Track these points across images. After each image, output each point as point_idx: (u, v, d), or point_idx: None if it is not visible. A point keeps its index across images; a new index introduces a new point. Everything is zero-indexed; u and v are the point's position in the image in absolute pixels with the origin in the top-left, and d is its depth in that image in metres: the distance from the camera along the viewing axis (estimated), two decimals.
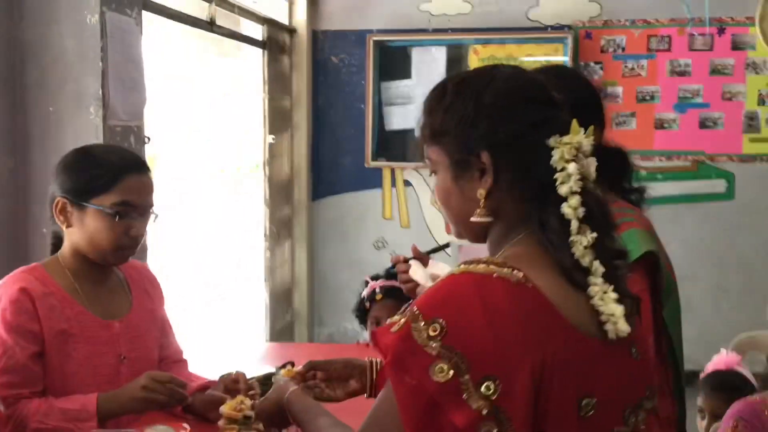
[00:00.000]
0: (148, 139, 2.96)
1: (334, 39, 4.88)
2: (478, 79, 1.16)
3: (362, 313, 2.97)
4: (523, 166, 1.12)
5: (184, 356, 2.19)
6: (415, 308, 1.03)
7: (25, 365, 1.79)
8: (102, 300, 1.95)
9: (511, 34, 4.65)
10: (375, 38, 4.79)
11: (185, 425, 1.67)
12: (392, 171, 4.89)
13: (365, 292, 2.94)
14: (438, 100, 1.17)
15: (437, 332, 0.99)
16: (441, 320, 1.00)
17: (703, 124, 4.68)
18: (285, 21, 4.75)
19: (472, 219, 1.14)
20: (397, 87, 4.83)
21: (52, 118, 2.55)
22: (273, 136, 4.61)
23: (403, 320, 1.03)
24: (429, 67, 4.78)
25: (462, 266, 1.06)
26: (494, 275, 1.03)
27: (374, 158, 4.87)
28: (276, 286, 4.76)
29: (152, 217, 1.94)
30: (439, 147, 1.17)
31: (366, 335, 3.01)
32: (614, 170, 1.76)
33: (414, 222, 4.88)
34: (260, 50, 4.57)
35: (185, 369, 2.16)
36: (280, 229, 4.76)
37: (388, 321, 1.05)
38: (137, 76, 2.75)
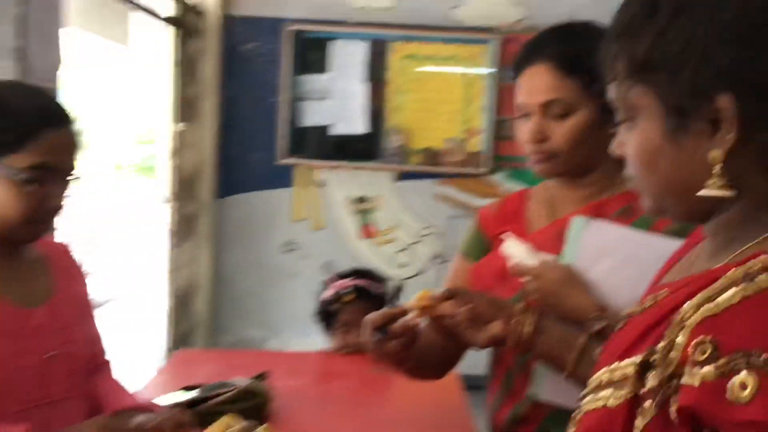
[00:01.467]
0: None
1: (246, 25, 4.55)
2: None
3: (328, 317, 2.57)
4: None
5: (107, 356, 1.77)
6: (757, 356, 0.67)
7: None
8: (17, 283, 1.52)
9: (436, 32, 4.48)
10: (291, 27, 4.50)
11: None
12: (305, 169, 4.60)
13: (328, 294, 2.58)
14: (646, 17, 0.80)
15: None
16: None
17: None
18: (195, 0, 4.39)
19: (702, 192, 0.78)
20: (312, 81, 4.56)
21: None
22: (183, 124, 4.22)
23: (750, 379, 0.67)
24: (348, 62, 4.54)
25: None
26: None
27: (286, 155, 4.56)
28: (177, 289, 4.35)
29: (73, 181, 1.51)
30: (646, 87, 0.81)
31: (331, 342, 2.57)
32: None
33: (329, 224, 4.60)
34: (168, 29, 4.19)
35: (108, 374, 1.75)
36: (182, 228, 4.36)
37: (702, 381, 0.69)
38: (55, 29, 2.36)
